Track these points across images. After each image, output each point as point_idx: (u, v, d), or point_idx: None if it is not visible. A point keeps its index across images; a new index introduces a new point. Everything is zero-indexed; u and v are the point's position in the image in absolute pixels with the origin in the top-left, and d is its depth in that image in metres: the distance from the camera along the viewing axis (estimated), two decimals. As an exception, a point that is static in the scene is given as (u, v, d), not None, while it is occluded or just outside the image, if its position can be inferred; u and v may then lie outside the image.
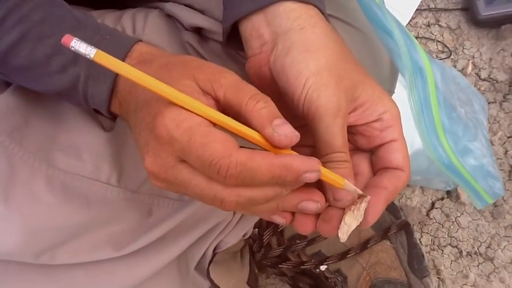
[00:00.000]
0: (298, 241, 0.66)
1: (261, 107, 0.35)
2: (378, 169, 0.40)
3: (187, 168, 0.35)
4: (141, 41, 0.42)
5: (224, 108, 0.37)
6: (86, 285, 0.60)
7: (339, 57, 0.39)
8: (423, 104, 0.50)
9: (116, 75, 0.40)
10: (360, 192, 0.37)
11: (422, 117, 0.50)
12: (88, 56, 0.33)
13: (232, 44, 0.47)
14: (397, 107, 0.40)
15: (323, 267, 0.66)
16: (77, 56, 0.40)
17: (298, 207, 0.37)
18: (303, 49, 0.39)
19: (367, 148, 0.41)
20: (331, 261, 0.65)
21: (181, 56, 0.40)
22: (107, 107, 0.42)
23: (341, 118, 0.37)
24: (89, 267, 0.58)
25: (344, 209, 0.38)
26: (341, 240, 0.37)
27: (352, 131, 0.41)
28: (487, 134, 0.61)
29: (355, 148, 0.42)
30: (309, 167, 0.33)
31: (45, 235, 0.54)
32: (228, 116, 0.36)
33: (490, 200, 0.54)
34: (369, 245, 0.64)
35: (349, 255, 0.64)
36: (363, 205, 0.37)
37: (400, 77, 0.58)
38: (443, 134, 0.51)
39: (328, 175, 0.36)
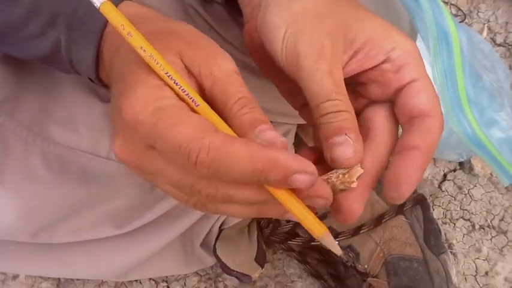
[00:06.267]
0: (307, 216, 0.64)
1: (245, 112, 0.30)
2: (403, 123, 0.33)
3: (159, 155, 0.30)
4: None
5: (207, 99, 0.32)
6: (87, 264, 0.59)
7: (322, 0, 0.34)
8: (447, 72, 0.46)
9: (100, 41, 0.36)
10: (339, 252, 0.32)
11: (446, 87, 0.46)
12: (95, 4, 0.30)
13: (235, 7, 0.43)
14: (412, 42, 0.33)
15: (334, 243, 0.64)
16: (55, 18, 0.36)
17: (284, 216, 0.31)
18: (280, 2, 0.34)
19: (385, 98, 0.34)
20: (343, 238, 0.62)
21: (174, 24, 0.35)
22: (94, 74, 0.38)
23: (324, 62, 0.32)
24: (90, 246, 0.57)
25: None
26: None
27: (362, 79, 0.35)
28: (513, 103, 0.58)
29: (370, 103, 0.36)
30: (301, 167, 0.27)
31: (42, 213, 0.52)
32: None
33: (517, 176, 0.51)
34: (383, 221, 0.61)
35: (362, 231, 0.62)
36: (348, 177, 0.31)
37: (419, 45, 0.54)
38: (467, 105, 0.47)
39: (303, 216, 0.29)
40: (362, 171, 0.31)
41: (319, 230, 0.30)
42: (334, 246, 0.32)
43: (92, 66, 0.37)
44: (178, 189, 0.31)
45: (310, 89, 0.32)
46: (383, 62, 0.33)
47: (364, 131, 0.34)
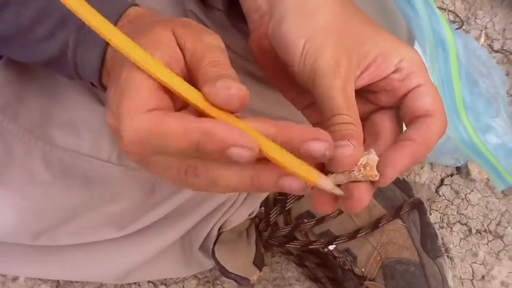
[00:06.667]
0: (306, 220, 0.64)
1: (214, 70, 0.30)
2: (407, 123, 0.36)
3: None
4: (136, 5, 0.39)
5: (188, 74, 0.33)
6: (88, 266, 0.59)
7: (340, 15, 0.36)
8: (444, 79, 0.47)
9: (107, 44, 0.36)
10: (340, 193, 0.32)
11: (443, 93, 0.47)
12: None
13: (236, 13, 0.44)
14: (417, 53, 0.36)
15: (331, 247, 0.64)
16: (66, 19, 0.37)
17: (279, 184, 0.30)
18: (298, 14, 0.36)
19: (392, 104, 0.37)
20: (340, 241, 0.63)
21: (177, 18, 0.36)
22: (98, 77, 0.38)
23: (340, 79, 0.34)
24: (90, 248, 0.57)
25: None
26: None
27: (372, 88, 0.37)
28: (509, 109, 0.59)
29: (378, 108, 0.38)
30: (238, 140, 0.27)
31: (44, 215, 0.52)
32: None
33: (512, 180, 0.52)
34: (380, 224, 0.62)
35: (360, 235, 0.62)
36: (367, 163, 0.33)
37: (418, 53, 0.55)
38: (464, 111, 0.48)
39: (295, 166, 0.29)
40: (377, 158, 0.33)
41: (314, 177, 0.30)
42: (333, 188, 0.32)
43: (96, 70, 0.37)
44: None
45: (324, 103, 0.34)
46: (392, 73, 0.36)
47: (373, 133, 0.37)
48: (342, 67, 0.34)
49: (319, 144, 0.29)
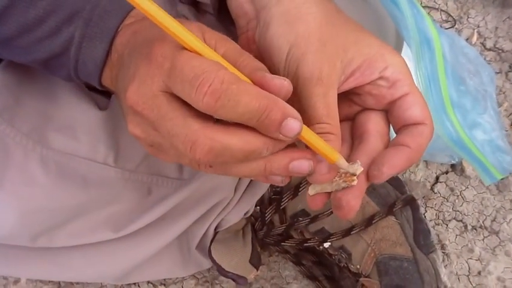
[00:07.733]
0: (301, 218, 0.65)
1: (254, 62, 0.33)
2: (398, 129, 0.38)
3: (168, 100, 0.31)
4: None
5: None
6: (85, 268, 0.60)
7: (322, 22, 0.36)
8: (430, 77, 0.48)
9: (115, 34, 0.38)
10: (354, 171, 0.35)
11: (429, 91, 0.48)
12: None
13: (227, 17, 0.45)
14: (402, 58, 0.37)
15: (326, 245, 0.65)
16: (74, 15, 0.37)
17: (289, 167, 0.33)
18: (282, 22, 0.36)
19: (378, 107, 0.38)
20: (335, 238, 0.63)
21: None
22: (98, 74, 0.39)
23: (322, 86, 0.35)
24: (88, 249, 0.58)
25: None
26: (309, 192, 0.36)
27: (357, 91, 0.38)
28: (497, 106, 0.59)
29: (363, 109, 0.40)
30: (293, 113, 0.31)
31: (42, 217, 0.53)
32: None
33: (499, 175, 0.52)
34: (373, 221, 0.62)
35: (354, 232, 0.63)
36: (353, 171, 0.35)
37: (406, 50, 0.56)
38: (451, 108, 0.49)
39: (319, 145, 0.33)
40: (362, 169, 0.35)
41: (335, 157, 0.33)
42: (348, 167, 0.35)
43: (100, 63, 0.38)
44: (171, 139, 0.32)
45: (305, 110, 0.35)
46: (377, 79, 0.37)
47: (358, 134, 0.38)
48: (324, 74, 0.35)
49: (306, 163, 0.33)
